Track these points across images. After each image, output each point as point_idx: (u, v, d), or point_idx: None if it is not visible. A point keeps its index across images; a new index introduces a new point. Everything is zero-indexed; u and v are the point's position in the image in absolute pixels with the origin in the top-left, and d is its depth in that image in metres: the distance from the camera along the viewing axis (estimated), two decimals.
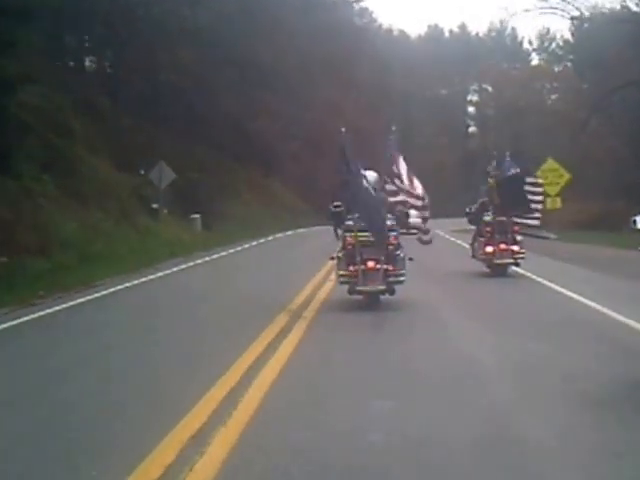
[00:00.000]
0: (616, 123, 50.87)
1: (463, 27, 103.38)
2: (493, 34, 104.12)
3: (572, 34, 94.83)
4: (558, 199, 28.07)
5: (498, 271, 15.73)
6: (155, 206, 25.56)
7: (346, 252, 11.26)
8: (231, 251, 25.94)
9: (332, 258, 11.81)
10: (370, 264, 11.00)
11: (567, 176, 27.99)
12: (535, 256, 19.23)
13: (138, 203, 27.99)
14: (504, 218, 15.75)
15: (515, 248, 15.69)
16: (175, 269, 18.92)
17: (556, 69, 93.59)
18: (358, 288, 11.13)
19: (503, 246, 15.63)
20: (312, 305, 11.85)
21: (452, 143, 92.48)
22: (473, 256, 16.69)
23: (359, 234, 11.10)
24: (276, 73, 49.42)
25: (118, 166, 30.27)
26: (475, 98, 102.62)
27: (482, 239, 16.06)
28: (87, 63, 40.60)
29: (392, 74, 76.05)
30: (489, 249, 15.70)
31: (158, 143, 36.22)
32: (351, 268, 11.09)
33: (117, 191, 26.79)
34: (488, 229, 15.85)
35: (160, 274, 17.68)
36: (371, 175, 11.61)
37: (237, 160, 46.94)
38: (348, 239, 11.26)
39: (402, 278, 11.22)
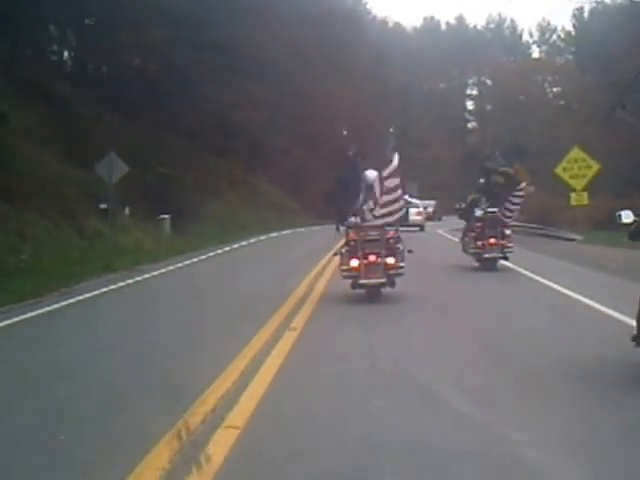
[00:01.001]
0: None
1: (460, 19, 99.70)
2: (492, 26, 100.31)
3: (574, 26, 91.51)
4: (585, 194, 23.96)
5: (487, 265, 15.94)
6: (103, 206, 20.94)
7: (349, 247, 11.63)
8: (194, 260, 21.45)
9: (335, 254, 12.50)
10: (371, 258, 11.35)
11: (596, 167, 24.00)
12: (573, 266, 17.05)
13: (88, 203, 23.56)
14: (496, 210, 16.03)
15: (504, 242, 15.98)
16: (88, 295, 13.19)
17: (558, 62, 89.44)
18: (361, 282, 11.44)
19: (492, 241, 15.91)
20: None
21: (451, 138, 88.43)
22: (464, 250, 16.89)
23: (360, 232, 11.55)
24: (263, 60, 45.01)
25: (69, 160, 25.86)
26: (474, 92, 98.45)
27: (472, 234, 16.31)
28: (43, 44, 35.96)
29: (389, 65, 71.55)
30: (479, 243, 16.04)
31: (124, 134, 31.82)
32: (353, 263, 11.41)
33: (62, 189, 22.39)
34: (478, 224, 16.16)
35: (48, 308, 11.82)
36: (371, 174, 12.05)
37: (217, 154, 42.52)
38: (351, 235, 11.71)
39: (401, 270, 11.55)
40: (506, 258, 16.10)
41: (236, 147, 44.45)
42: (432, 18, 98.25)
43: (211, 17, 39.91)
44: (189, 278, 17.18)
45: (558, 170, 26.45)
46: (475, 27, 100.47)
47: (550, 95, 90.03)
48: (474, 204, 16.64)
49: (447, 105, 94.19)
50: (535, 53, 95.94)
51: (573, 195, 24.60)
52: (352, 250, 11.49)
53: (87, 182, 24.08)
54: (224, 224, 37.31)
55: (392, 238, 11.53)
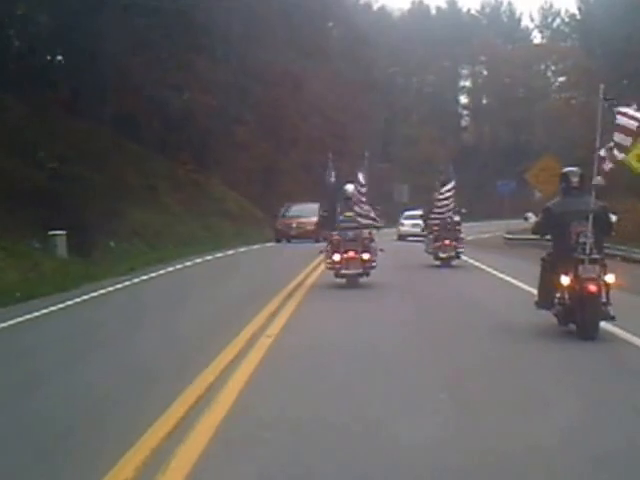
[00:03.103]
0: None
1: (452, 3, 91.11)
2: (487, 10, 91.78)
3: (579, 9, 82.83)
4: None
5: (443, 263, 18.67)
6: None
7: (332, 246, 14.31)
8: (69, 303, 12.40)
9: (321, 252, 14.97)
10: (351, 254, 14.11)
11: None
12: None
13: None
14: (449, 219, 18.62)
15: (457, 244, 18.74)
16: None
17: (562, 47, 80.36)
18: (342, 272, 14.25)
19: (447, 242, 18.66)
20: None
21: (443, 135, 79.46)
22: (425, 250, 19.48)
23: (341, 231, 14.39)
24: (214, 30, 35.48)
25: None
26: (467, 84, 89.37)
27: (431, 236, 19.14)
28: None
29: (372, 49, 62.10)
30: (437, 244, 18.75)
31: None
32: (336, 257, 14.15)
33: None
34: (435, 228, 18.80)
35: None
36: (350, 187, 14.63)
37: (154, 147, 33.02)
38: (335, 236, 14.33)
39: (374, 264, 14.36)
40: (458, 257, 18.99)
41: (181, 139, 34.89)
42: (421, 2, 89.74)
43: None
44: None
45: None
46: (469, 12, 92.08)
47: (554, 86, 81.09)
48: (431, 210, 18.96)
49: (438, 98, 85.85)
50: (536, 40, 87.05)
51: None
52: (335, 248, 14.29)
53: None
54: (158, 239, 27.85)
55: (367, 239, 14.44)
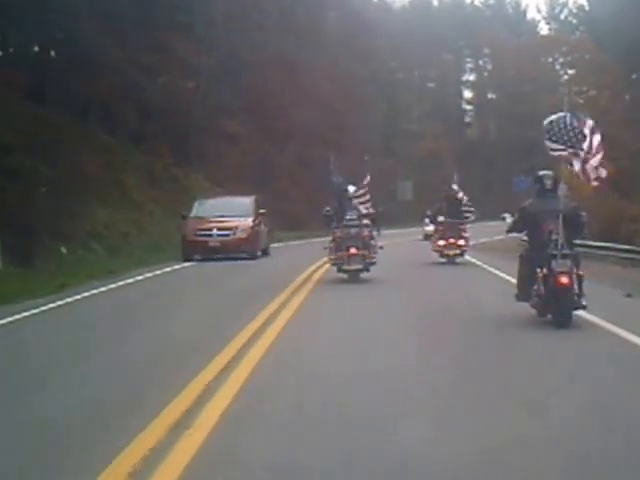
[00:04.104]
0: None
1: None
2: (491, 1, 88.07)
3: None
4: None
5: (448, 260, 19.51)
6: None
7: (335, 243, 14.83)
8: None
9: (325, 248, 15.20)
10: (352, 250, 14.60)
11: None
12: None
13: None
14: (452, 220, 19.76)
15: (461, 242, 19.63)
16: None
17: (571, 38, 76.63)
18: (344, 267, 14.78)
19: (452, 240, 19.51)
20: None
21: (446, 130, 75.90)
22: (433, 249, 20.24)
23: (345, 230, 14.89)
24: (194, 9, 31.63)
25: None
26: (471, 78, 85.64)
27: (437, 235, 20.09)
28: None
29: (372, 38, 58.20)
30: (441, 243, 19.70)
31: None
32: (338, 254, 14.70)
33: None
34: (441, 228, 19.80)
35: None
36: (352, 188, 15.20)
37: (126, 138, 29.09)
38: (337, 233, 14.86)
39: (374, 260, 14.96)
40: (462, 255, 20.10)
41: (159, 129, 30.93)
42: None
43: None
44: None
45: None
46: (472, 3, 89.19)
47: (562, 79, 77.33)
48: (438, 213, 20.19)
49: (441, 93, 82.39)
50: (543, 31, 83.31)
51: None
52: (338, 245, 14.78)
53: None
54: (123, 243, 23.98)
55: (367, 237, 14.91)
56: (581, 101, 67.63)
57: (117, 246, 23.24)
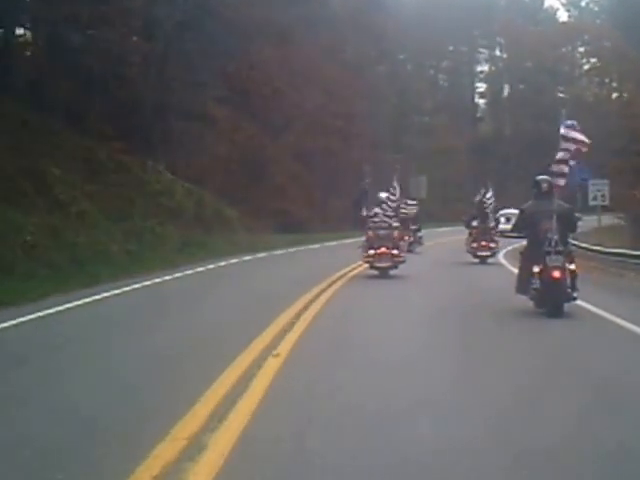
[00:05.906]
0: None
1: None
2: None
3: None
4: None
5: (480, 260, 22.17)
6: None
7: (367, 242, 17.04)
8: None
9: (359, 247, 17.47)
10: (382, 249, 16.74)
11: None
12: None
13: None
14: (484, 225, 22.69)
15: (492, 245, 22.48)
16: None
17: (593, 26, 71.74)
18: (375, 265, 16.95)
19: (484, 243, 22.33)
20: None
21: (459, 125, 71.31)
22: (467, 250, 22.91)
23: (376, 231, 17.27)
24: None
25: None
26: (485, 69, 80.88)
27: (471, 238, 22.81)
28: None
29: (378, 16, 53.23)
30: (474, 245, 22.50)
31: None
32: (370, 252, 16.87)
33: None
34: (474, 231, 22.63)
35: None
36: (382, 194, 17.65)
37: (57, 116, 23.84)
38: (369, 234, 17.08)
39: (402, 259, 17.21)
40: (493, 256, 22.83)
41: (100, 103, 25.44)
42: None
43: None
44: None
45: None
46: None
47: (583, 69, 72.39)
48: (472, 218, 23.09)
49: (454, 86, 77.60)
50: (562, 19, 78.52)
51: None
52: (370, 244, 16.97)
53: None
54: (28, 257, 17.52)
55: (397, 237, 17.18)
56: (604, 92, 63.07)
57: (17, 263, 16.19)
